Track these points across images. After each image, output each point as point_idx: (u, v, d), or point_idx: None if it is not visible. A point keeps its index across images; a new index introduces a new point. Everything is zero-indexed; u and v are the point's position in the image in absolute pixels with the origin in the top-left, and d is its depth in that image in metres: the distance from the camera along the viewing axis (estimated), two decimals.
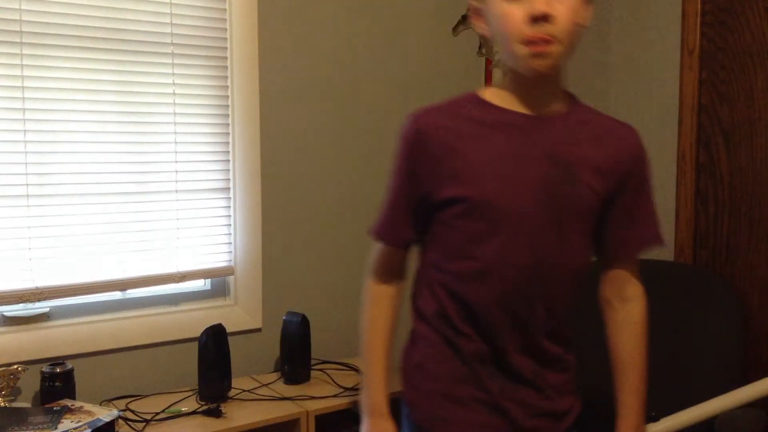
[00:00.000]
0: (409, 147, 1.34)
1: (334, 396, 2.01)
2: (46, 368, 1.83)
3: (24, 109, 1.86)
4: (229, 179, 2.18)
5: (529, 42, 1.18)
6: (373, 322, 1.43)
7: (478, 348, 1.33)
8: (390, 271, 1.44)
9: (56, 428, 1.62)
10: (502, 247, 1.26)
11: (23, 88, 1.85)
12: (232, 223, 2.19)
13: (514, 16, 1.18)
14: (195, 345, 2.08)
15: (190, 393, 2.04)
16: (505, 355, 1.32)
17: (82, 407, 1.74)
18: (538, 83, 1.26)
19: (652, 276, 2.66)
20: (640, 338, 1.42)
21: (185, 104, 2.08)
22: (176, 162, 2.08)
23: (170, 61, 2.04)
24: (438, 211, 1.32)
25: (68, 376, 1.84)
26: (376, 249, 1.45)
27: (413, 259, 1.46)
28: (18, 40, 1.84)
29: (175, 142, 2.08)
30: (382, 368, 1.41)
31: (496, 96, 1.30)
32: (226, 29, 2.13)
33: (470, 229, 1.28)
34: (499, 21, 1.21)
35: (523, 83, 1.26)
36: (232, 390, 2.04)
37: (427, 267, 1.40)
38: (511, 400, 1.33)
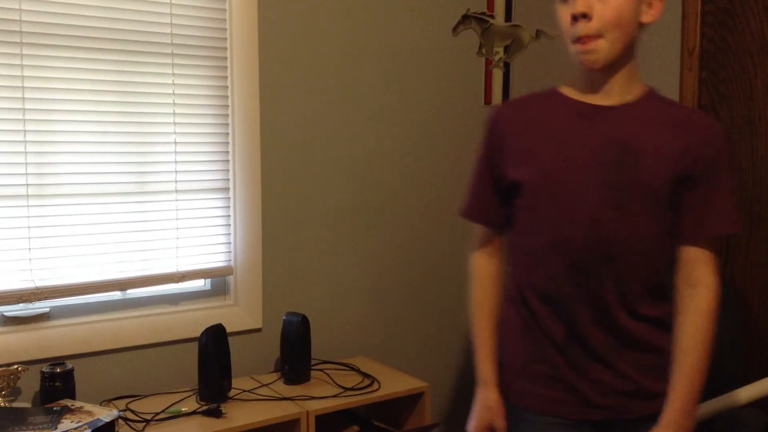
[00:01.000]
0: (487, 136, 1.48)
1: (334, 396, 2.01)
2: (46, 368, 1.83)
3: (24, 109, 1.86)
4: (228, 179, 2.18)
5: (577, 40, 1.34)
6: (476, 302, 1.54)
7: (550, 326, 1.43)
8: (487, 252, 1.54)
9: (56, 428, 1.62)
10: (562, 223, 1.38)
11: (23, 88, 1.85)
12: (231, 223, 2.19)
13: (565, 17, 1.35)
14: (195, 345, 2.08)
15: (190, 393, 2.04)
16: (579, 330, 1.41)
17: (82, 407, 1.74)
18: (601, 76, 1.38)
19: None
20: (702, 327, 1.40)
21: (185, 104, 2.08)
22: (176, 162, 2.08)
23: (170, 62, 2.04)
24: (511, 194, 1.45)
25: (68, 376, 1.84)
26: (474, 230, 1.56)
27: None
28: (18, 40, 1.84)
29: (175, 142, 2.08)
30: (488, 344, 1.51)
31: (570, 89, 1.43)
32: (225, 29, 2.13)
33: (535, 208, 1.41)
34: (558, 22, 1.38)
35: (588, 76, 1.39)
36: (232, 390, 2.05)
37: (510, 251, 1.52)
38: (582, 376, 1.42)
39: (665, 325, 1.44)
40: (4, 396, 1.78)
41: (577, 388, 1.42)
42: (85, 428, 1.63)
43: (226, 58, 2.14)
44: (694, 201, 1.39)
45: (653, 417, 1.41)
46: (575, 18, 1.32)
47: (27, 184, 1.88)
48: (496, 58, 2.65)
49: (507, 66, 2.68)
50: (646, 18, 1.36)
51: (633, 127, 1.37)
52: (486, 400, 1.49)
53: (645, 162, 1.35)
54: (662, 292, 1.45)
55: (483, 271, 1.54)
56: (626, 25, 1.33)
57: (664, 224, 1.39)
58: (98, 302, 2.05)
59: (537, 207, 1.40)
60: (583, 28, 1.32)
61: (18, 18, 1.83)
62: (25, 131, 1.87)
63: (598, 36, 1.31)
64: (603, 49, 1.32)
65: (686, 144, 1.36)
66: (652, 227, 1.38)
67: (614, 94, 1.38)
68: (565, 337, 1.42)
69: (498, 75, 2.67)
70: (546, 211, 1.40)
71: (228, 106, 2.15)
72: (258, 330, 2.24)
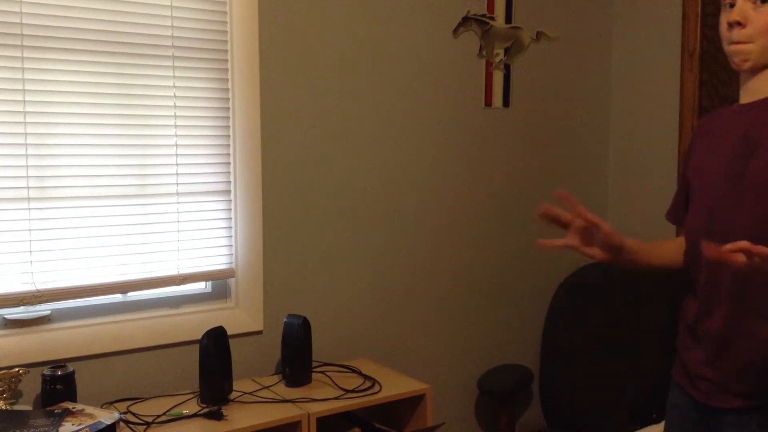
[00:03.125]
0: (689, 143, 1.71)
1: (335, 398, 2.01)
2: (47, 371, 1.83)
3: (25, 112, 1.86)
4: (230, 182, 2.18)
5: (731, 42, 1.50)
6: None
7: (687, 304, 1.65)
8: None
9: (57, 431, 1.62)
10: (693, 214, 1.59)
11: (24, 91, 1.86)
12: (232, 225, 2.20)
13: (723, 23, 1.53)
14: (196, 347, 2.08)
15: (191, 395, 2.04)
16: (697, 312, 1.58)
17: (83, 410, 1.74)
18: (750, 76, 1.53)
19: (653, 277, 2.67)
20: None
21: (186, 107, 2.08)
22: (177, 164, 2.08)
23: (171, 64, 2.05)
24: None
25: (69, 379, 1.84)
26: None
27: None
28: (19, 43, 1.84)
29: (176, 145, 2.08)
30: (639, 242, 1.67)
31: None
32: (226, 32, 2.13)
33: (690, 203, 1.63)
34: (719, 26, 1.57)
35: (744, 79, 1.55)
36: (233, 392, 2.05)
37: None
38: (688, 354, 1.61)
39: None
40: (5, 399, 1.78)
41: (683, 358, 1.62)
42: (86, 431, 1.63)
43: (226, 60, 2.14)
44: None
45: (735, 411, 1.50)
46: (731, 24, 1.49)
47: (28, 187, 1.88)
48: (497, 59, 2.65)
49: (507, 68, 2.68)
50: None
51: (760, 121, 1.49)
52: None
53: (760, 152, 1.46)
54: None
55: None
56: None
57: None
58: (99, 305, 2.05)
59: (690, 203, 1.62)
60: (736, 33, 1.48)
61: (19, 21, 1.83)
62: (26, 134, 1.87)
63: (749, 41, 1.48)
64: (752, 52, 1.48)
65: None
66: (763, 214, 1.46)
67: (760, 93, 1.52)
68: (691, 315, 1.60)
69: (498, 77, 2.67)
70: (691, 206, 1.61)
71: (229, 108, 2.16)
72: (259, 332, 2.24)
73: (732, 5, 1.49)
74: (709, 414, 1.56)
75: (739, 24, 1.48)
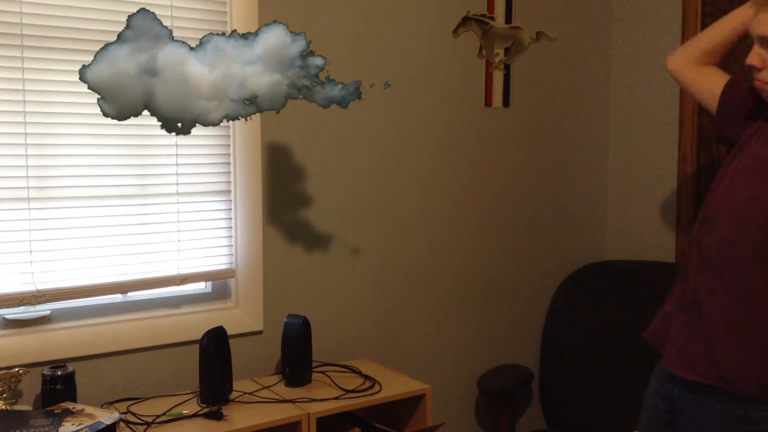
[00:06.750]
0: (746, 93, 1.69)
1: (336, 398, 2.01)
2: (47, 371, 1.83)
3: (25, 112, 1.86)
4: (230, 182, 2.18)
5: (752, 80, 1.57)
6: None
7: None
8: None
9: (57, 431, 1.62)
10: (725, 192, 1.62)
11: (24, 91, 1.86)
12: (233, 225, 2.20)
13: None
14: (196, 348, 2.08)
15: (191, 396, 2.04)
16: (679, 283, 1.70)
17: (83, 410, 1.74)
18: None
19: (653, 277, 2.67)
20: None
21: None
22: (177, 165, 2.08)
23: None
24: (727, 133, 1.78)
25: (69, 379, 1.84)
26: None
27: None
28: (19, 43, 1.84)
29: (176, 145, 2.08)
30: None
31: None
32: (226, 32, 2.13)
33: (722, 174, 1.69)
34: None
35: None
36: (234, 392, 2.04)
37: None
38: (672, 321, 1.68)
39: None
40: (5, 399, 1.78)
41: (672, 325, 1.64)
42: (86, 431, 1.63)
43: None
44: None
45: (698, 388, 1.56)
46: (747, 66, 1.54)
47: (28, 187, 1.88)
48: (497, 60, 2.65)
49: (507, 68, 2.68)
50: None
51: None
52: None
53: None
54: None
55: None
56: None
57: None
58: (99, 305, 2.05)
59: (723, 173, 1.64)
60: (755, 74, 1.54)
61: (19, 21, 1.83)
62: (26, 134, 1.87)
63: (762, 82, 1.54)
64: None
65: None
66: None
67: None
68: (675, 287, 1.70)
69: (498, 77, 2.67)
70: (718, 181, 1.64)
71: None
72: (259, 332, 2.24)
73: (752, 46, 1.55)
74: (673, 384, 1.62)
75: (755, 68, 1.54)
